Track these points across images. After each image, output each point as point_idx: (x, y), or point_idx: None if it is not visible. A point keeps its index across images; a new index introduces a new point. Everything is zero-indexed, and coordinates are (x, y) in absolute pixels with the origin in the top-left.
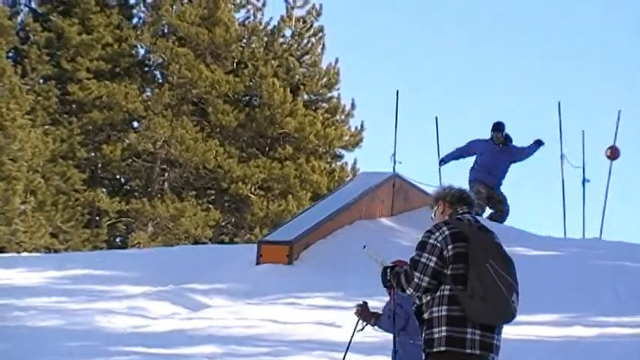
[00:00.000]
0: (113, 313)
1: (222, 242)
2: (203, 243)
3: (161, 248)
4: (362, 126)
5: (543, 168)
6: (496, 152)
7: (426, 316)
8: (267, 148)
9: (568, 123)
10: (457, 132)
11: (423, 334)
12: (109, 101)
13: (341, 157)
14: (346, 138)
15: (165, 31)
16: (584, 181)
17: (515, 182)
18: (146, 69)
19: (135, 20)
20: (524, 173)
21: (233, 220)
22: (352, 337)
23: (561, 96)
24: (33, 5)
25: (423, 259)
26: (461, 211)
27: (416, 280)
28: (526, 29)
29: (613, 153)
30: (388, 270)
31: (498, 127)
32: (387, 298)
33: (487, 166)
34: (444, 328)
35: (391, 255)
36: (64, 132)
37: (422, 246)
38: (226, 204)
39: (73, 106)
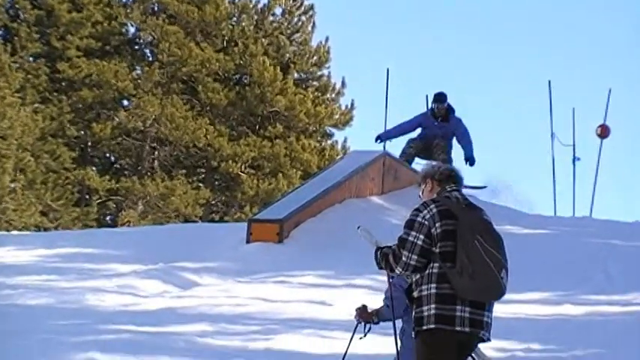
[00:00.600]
0: (103, 291)
1: (212, 221)
2: (193, 221)
3: (151, 227)
4: (352, 104)
5: (534, 146)
6: (435, 126)
7: (415, 294)
8: (257, 127)
9: (558, 101)
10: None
11: (413, 313)
12: (98, 79)
13: (331, 135)
14: (336, 116)
15: (155, 9)
16: (574, 159)
17: (505, 160)
18: (136, 47)
19: None
20: (515, 151)
21: (223, 198)
22: (350, 342)
23: (551, 74)
24: None
25: (410, 238)
26: (449, 189)
27: (404, 258)
28: (516, 8)
29: (603, 131)
30: (378, 252)
31: (439, 97)
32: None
33: (425, 139)
34: (432, 305)
35: (382, 233)
36: (53, 110)
37: (410, 224)
38: (216, 182)
39: (63, 84)
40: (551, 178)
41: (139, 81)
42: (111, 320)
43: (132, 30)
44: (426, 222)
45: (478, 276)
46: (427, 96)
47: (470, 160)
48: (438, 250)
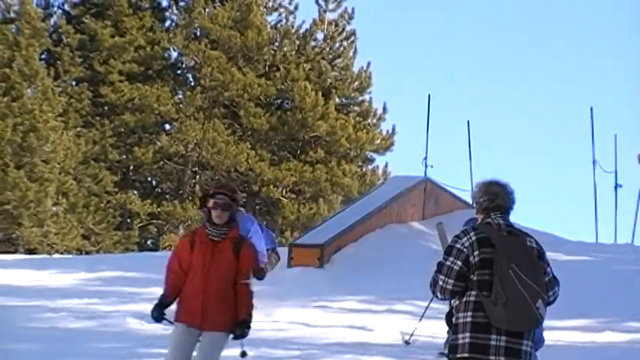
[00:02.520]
0: (144, 315)
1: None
2: None
3: None
4: (393, 130)
5: (576, 173)
6: None
7: (453, 320)
8: (298, 152)
9: (600, 128)
10: (489, 136)
11: (450, 340)
12: (140, 104)
13: (372, 160)
14: (377, 142)
15: (198, 34)
16: (616, 186)
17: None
18: (178, 72)
19: (167, 23)
20: (557, 178)
21: (264, 222)
22: None
23: (594, 101)
24: (66, 7)
25: (447, 262)
26: (493, 215)
27: (441, 282)
28: (557, 35)
29: None
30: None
31: None
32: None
33: None
34: (467, 334)
35: (422, 259)
36: (96, 134)
37: (448, 250)
38: (257, 207)
39: (105, 108)
40: (593, 205)
41: (181, 105)
42: (152, 344)
43: (174, 55)
44: (465, 249)
45: (511, 306)
46: (468, 122)
47: None
48: (475, 278)
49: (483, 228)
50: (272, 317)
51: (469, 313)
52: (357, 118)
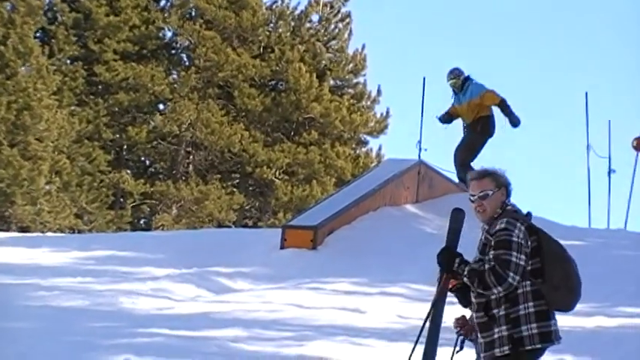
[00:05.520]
0: (137, 294)
1: (245, 226)
2: (227, 226)
3: (185, 231)
4: (387, 112)
5: (569, 158)
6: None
7: (502, 312)
8: (292, 133)
9: (595, 113)
10: None
11: (505, 333)
12: (135, 83)
13: (366, 143)
14: (372, 124)
15: (193, 14)
16: (609, 171)
17: (541, 172)
18: (173, 51)
19: (162, 3)
20: (550, 162)
21: (257, 204)
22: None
23: (588, 86)
24: None
25: (514, 259)
26: (509, 203)
27: (510, 280)
28: (553, 20)
29: (639, 144)
30: (457, 259)
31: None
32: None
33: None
34: (534, 324)
35: (416, 242)
36: (90, 113)
37: (507, 244)
38: (250, 188)
39: (100, 87)
40: (587, 190)
41: (175, 85)
42: (144, 324)
43: (169, 34)
44: (522, 241)
45: (574, 289)
46: None
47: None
48: (529, 268)
49: (521, 216)
50: (265, 299)
51: (530, 304)
52: (352, 101)
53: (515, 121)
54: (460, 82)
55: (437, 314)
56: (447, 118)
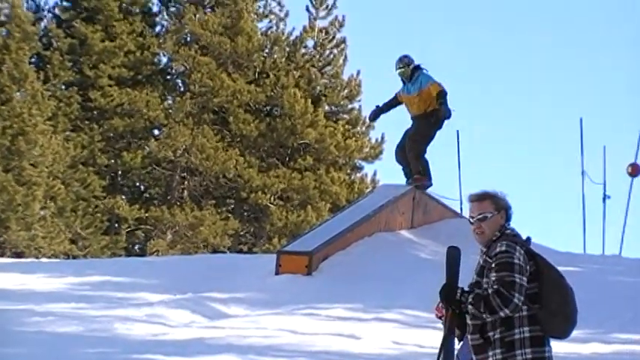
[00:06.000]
0: (132, 320)
1: (240, 251)
2: (222, 252)
3: (180, 256)
4: (382, 138)
5: (564, 184)
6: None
7: (497, 336)
8: (287, 159)
9: (589, 139)
10: (478, 146)
11: (500, 356)
12: (130, 108)
13: (361, 168)
14: (366, 150)
15: (188, 39)
16: (604, 197)
17: (535, 198)
18: (168, 77)
19: (158, 28)
20: (545, 187)
21: (252, 229)
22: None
23: (583, 112)
24: (57, 11)
25: (517, 280)
26: (511, 226)
27: (516, 300)
28: (549, 46)
29: (634, 170)
30: (459, 290)
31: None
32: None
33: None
34: (528, 350)
35: (411, 267)
36: (84, 138)
37: (509, 267)
38: (245, 213)
39: (95, 112)
40: (581, 216)
41: (170, 111)
42: (139, 349)
43: (164, 60)
44: (522, 264)
45: (569, 316)
46: (458, 131)
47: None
48: (527, 292)
49: (519, 240)
50: (259, 324)
51: (525, 328)
52: (347, 126)
53: (445, 112)
54: (409, 71)
55: (447, 355)
56: (381, 110)
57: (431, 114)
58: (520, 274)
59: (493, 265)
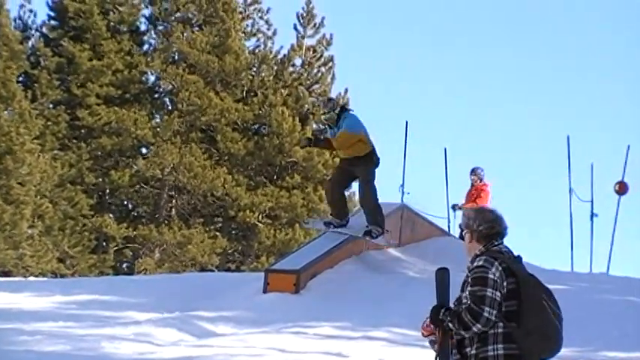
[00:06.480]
0: (119, 339)
1: (228, 270)
2: (210, 270)
3: (168, 275)
4: None
5: (551, 201)
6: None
7: (472, 352)
8: (275, 177)
9: (577, 157)
10: (466, 163)
11: None
12: (118, 127)
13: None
14: None
15: (176, 58)
16: (592, 215)
17: (523, 216)
18: (156, 95)
19: (145, 47)
20: (533, 206)
21: (240, 247)
22: None
23: (570, 130)
24: (44, 30)
25: (489, 294)
26: (497, 243)
27: (486, 314)
28: (536, 64)
29: (622, 188)
30: (442, 310)
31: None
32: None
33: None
34: None
35: (399, 285)
36: (72, 157)
37: (482, 281)
38: (233, 232)
39: (82, 131)
40: (569, 234)
41: (158, 129)
42: None
43: (152, 78)
44: (497, 280)
45: (551, 336)
46: (445, 149)
47: None
48: (503, 309)
49: (502, 257)
50: (247, 343)
51: (499, 346)
52: None
53: (305, 143)
54: (335, 115)
55: None
56: (313, 143)
57: (363, 157)
58: (493, 288)
59: (469, 280)
